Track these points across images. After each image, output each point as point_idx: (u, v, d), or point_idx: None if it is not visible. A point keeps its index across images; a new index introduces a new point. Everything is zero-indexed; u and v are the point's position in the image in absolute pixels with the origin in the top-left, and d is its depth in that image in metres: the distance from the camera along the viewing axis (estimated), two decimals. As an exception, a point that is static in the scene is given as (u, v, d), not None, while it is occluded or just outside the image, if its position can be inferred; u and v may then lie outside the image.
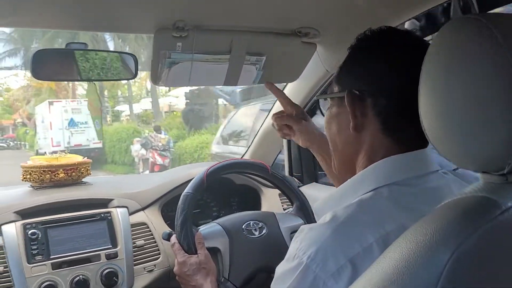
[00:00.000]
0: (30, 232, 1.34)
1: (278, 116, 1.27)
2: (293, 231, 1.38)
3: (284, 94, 1.32)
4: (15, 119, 25.19)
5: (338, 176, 0.87)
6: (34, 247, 1.33)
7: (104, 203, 1.53)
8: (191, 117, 14.44)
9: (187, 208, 1.30)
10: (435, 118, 0.54)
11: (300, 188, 1.61)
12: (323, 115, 0.88)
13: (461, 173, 0.83)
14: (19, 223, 1.36)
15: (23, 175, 1.60)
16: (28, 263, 1.30)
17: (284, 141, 1.96)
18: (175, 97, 18.23)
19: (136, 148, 12.27)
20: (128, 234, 1.46)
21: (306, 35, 1.28)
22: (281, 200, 1.78)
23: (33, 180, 1.58)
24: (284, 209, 1.72)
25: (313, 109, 1.75)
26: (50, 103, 15.70)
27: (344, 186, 0.79)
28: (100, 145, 15.15)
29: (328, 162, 1.09)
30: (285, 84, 1.73)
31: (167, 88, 19.20)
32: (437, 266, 0.43)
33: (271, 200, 1.78)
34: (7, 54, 21.64)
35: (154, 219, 1.57)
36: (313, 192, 1.74)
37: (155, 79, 1.26)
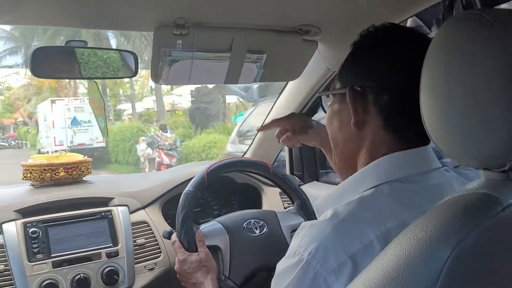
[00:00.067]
0: (30, 230, 1.34)
1: (286, 140, 1.27)
2: (294, 230, 1.37)
3: (275, 120, 1.31)
4: (16, 118, 25.13)
5: (339, 173, 0.87)
6: (35, 245, 1.33)
7: (105, 201, 1.53)
8: (197, 115, 14.25)
9: (188, 206, 1.30)
10: (436, 115, 0.53)
11: (301, 187, 1.60)
12: (325, 112, 0.88)
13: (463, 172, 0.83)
14: (19, 222, 1.36)
15: (24, 174, 1.60)
16: (28, 262, 1.30)
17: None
18: (179, 96, 18.03)
19: (142, 148, 11.92)
20: (128, 232, 1.46)
21: (307, 33, 1.27)
22: (282, 198, 1.77)
23: (33, 178, 1.58)
24: (285, 208, 1.71)
25: (314, 107, 1.75)
26: (53, 102, 15.55)
27: (345, 184, 0.78)
28: (103, 144, 15.02)
29: None
30: (286, 83, 1.73)
31: (170, 87, 19.11)
32: (437, 263, 0.43)
33: (272, 199, 1.78)
34: (7, 52, 21.41)
35: (154, 218, 1.56)
36: (314, 191, 1.73)
37: (155, 77, 1.25)
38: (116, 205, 1.51)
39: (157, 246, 1.51)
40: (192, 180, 1.36)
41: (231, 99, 16.27)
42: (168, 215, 1.61)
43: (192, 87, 14.58)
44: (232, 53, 1.25)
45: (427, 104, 0.55)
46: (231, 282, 1.25)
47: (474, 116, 0.49)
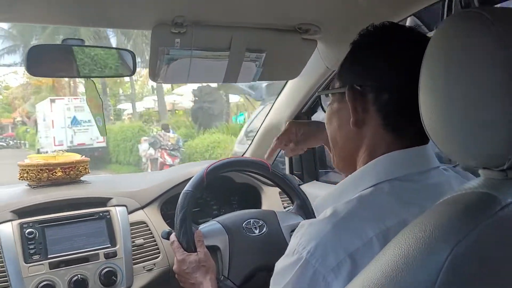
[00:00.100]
0: (27, 231, 1.33)
1: (290, 152, 1.31)
2: (294, 230, 1.35)
3: (276, 140, 1.33)
4: (14, 118, 25.03)
5: (340, 171, 0.87)
6: (31, 246, 1.32)
7: (103, 201, 1.52)
8: (200, 115, 14.15)
9: (187, 206, 1.29)
10: (435, 114, 0.53)
11: (301, 187, 1.60)
12: (325, 112, 0.87)
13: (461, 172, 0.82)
14: (16, 222, 1.35)
15: (20, 174, 1.59)
16: (25, 263, 1.29)
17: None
18: (179, 95, 17.91)
19: (144, 148, 11.80)
20: (127, 233, 1.45)
21: (306, 32, 1.27)
22: (281, 198, 1.77)
23: (30, 178, 1.57)
24: (285, 208, 1.71)
25: (314, 106, 1.74)
26: (52, 101, 15.44)
27: (344, 182, 0.78)
28: (104, 144, 14.95)
29: None
30: (285, 82, 1.72)
31: (170, 86, 19.02)
32: (436, 262, 0.42)
33: (272, 199, 1.77)
34: (5, 51, 21.23)
35: (153, 218, 1.56)
36: (314, 191, 1.73)
37: (153, 75, 1.24)
38: (114, 205, 1.50)
39: (156, 246, 1.51)
40: (191, 179, 1.36)
41: (234, 98, 16.15)
42: (167, 215, 1.60)
43: (194, 86, 14.47)
44: (231, 52, 1.24)
45: (426, 103, 0.55)
46: (230, 282, 1.25)
47: (473, 115, 0.48)
